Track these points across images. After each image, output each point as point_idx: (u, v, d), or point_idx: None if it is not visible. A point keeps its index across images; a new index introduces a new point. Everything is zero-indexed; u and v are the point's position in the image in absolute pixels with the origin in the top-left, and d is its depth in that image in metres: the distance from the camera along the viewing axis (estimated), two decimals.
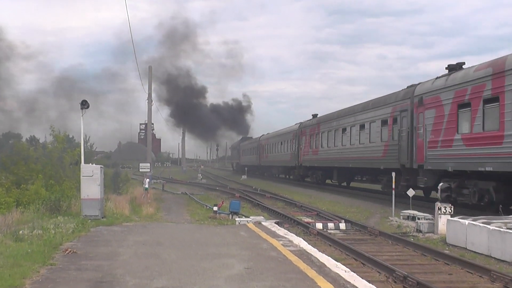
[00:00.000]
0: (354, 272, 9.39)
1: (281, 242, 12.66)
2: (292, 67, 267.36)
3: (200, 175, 63.89)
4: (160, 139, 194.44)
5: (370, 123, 27.71)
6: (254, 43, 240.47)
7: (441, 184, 17.85)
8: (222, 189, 42.71)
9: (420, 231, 17.30)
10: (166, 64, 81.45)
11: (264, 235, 14.08)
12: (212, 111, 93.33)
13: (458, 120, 18.51)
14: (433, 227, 17.16)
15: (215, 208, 21.99)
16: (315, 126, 39.29)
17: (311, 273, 8.97)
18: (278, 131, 56.43)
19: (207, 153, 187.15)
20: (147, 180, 33.73)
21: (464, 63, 19.70)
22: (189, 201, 31.92)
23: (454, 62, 20.04)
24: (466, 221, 14.53)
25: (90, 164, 19.84)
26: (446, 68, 20.30)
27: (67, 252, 10.82)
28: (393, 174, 22.05)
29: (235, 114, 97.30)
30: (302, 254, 10.87)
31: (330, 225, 18.98)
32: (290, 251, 11.27)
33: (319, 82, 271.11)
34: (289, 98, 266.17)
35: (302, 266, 9.59)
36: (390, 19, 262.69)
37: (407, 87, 23.94)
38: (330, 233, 17.41)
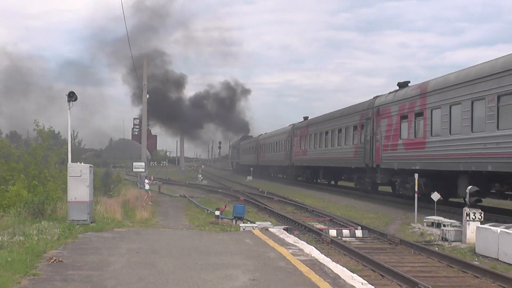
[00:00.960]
0: (371, 284, 9.36)
1: (290, 250, 12.65)
2: (303, 56, 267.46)
3: (200, 175, 64.07)
4: (156, 136, 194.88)
5: (345, 128, 35.26)
6: (261, 29, 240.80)
7: (469, 187, 17.86)
8: (225, 191, 42.76)
9: (446, 240, 17.24)
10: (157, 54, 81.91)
11: (271, 242, 14.07)
12: (194, 104, 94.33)
13: (401, 128, 25.94)
14: (460, 235, 17.10)
15: (217, 213, 22.03)
16: (305, 128, 46.63)
17: (324, 285, 8.94)
18: (274, 131, 64.39)
19: (208, 151, 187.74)
20: (147, 180, 33.93)
21: (409, 82, 27.33)
22: (188, 204, 31.98)
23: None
24: (498, 229, 14.46)
25: (78, 163, 19.85)
26: (397, 85, 27.90)
27: (51, 261, 10.85)
28: (416, 175, 22.08)
29: (224, 106, 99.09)
30: (314, 264, 10.84)
31: (345, 232, 18.98)
32: (301, 260, 11.25)
33: (333, 73, 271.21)
34: (300, 91, 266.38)
35: (314, 277, 9.57)
36: (413, 3, 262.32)
37: (373, 97, 30.72)
38: (345, 241, 17.41)
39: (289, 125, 54.41)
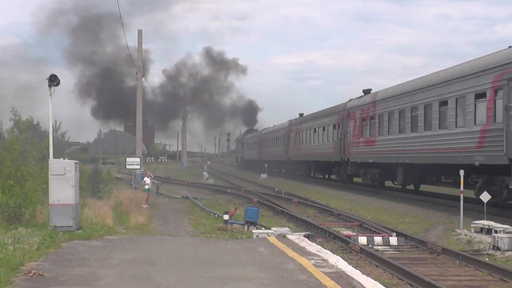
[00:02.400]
0: None
1: (312, 261, 12.63)
2: (327, 33, 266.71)
3: (206, 173, 64.22)
4: (153, 127, 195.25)
5: (327, 126, 47.01)
6: (277, 1, 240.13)
7: None
8: (235, 191, 42.87)
9: (498, 249, 17.12)
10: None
11: (290, 252, 14.06)
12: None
13: (362, 129, 37.50)
14: None
15: (226, 217, 22.12)
16: (299, 125, 57.97)
17: None
18: (274, 126, 77.19)
19: (215, 144, 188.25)
20: (147, 179, 34.08)
21: (371, 89, 38.93)
22: (191, 207, 32.12)
23: None
24: None
25: (61, 159, 19.92)
26: (362, 91, 39.71)
27: (30, 274, 10.89)
28: (461, 172, 22.01)
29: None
30: (341, 278, 10.81)
31: (377, 239, 18.95)
32: (325, 273, 11.22)
33: (362, 52, 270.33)
34: (323, 73, 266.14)
35: None
36: None
37: (348, 100, 42.16)
38: (377, 250, 17.42)
39: (287, 121, 65.96)
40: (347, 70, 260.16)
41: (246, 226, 20.92)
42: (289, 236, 17.26)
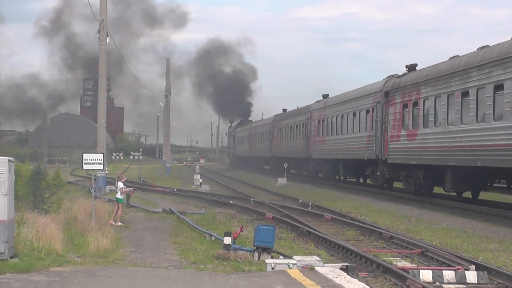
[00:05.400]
0: None
1: None
2: None
3: (198, 176, 64.12)
4: (122, 109, 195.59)
5: (298, 125, 73.88)
6: None
7: None
8: (240, 203, 42.97)
9: None
10: None
11: None
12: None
13: (318, 129, 65.80)
14: None
15: (228, 240, 22.03)
16: (280, 121, 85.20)
17: None
18: (261, 120, 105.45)
19: (211, 135, 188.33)
20: (121, 184, 33.78)
21: (328, 95, 66.67)
22: (177, 226, 32.00)
23: None
24: None
25: None
26: (322, 96, 68.38)
27: None
28: None
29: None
30: None
31: (448, 274, 18.87)
32: None
33: (425, 2, 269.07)
34: (367, 32, 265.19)
35: None
36: None
37: (315, 101, 68.98)
38: None
39: (273, 116, 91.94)
40: (400, 28, 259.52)
41: (256, 254, 20.86)
42: (319, 269, 17.23)
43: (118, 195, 33.51)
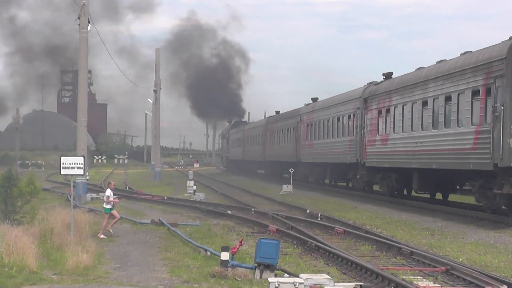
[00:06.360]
0: None
1: None
2: None
3: (192, 182, 64.18)
4: (105, 106, 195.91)
5: (289, 128, 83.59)
6: None
7: None
8: (239, 213, 43.17)
9: None
10: None
11: None
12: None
13: (307, 133, 75.27)
14: None
15: (225, 256, 22.02)
16: (272, 124, 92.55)
17: None
18: (255, 122, 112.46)
19: (207, 137, 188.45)
20: (107, 191, 33.72)
21: (317, 98, 77.13)
22: (167, 239, 32.07)
23: None
24: None
25: None
26: (311, 99, 78.66)
27: None
28: None
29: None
30: None
31: None
32: None
33: None
34: (388, 19, 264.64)
35: None
36: None
37: (305, 105, 78.95)
38: None
39: (266, 118, 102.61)
40: (428, 15, 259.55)
41: (258, 271, 20.87)
42: None
43: (106, 205, 33.48)
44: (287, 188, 64.12)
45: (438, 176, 45.73)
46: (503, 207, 37.46)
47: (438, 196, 48.67)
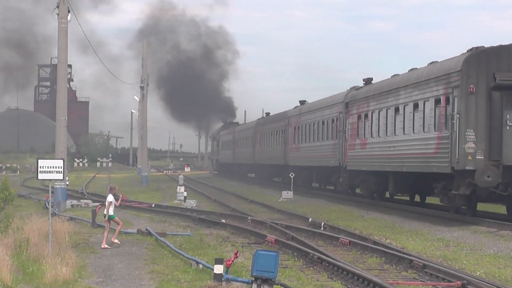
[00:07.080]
0: None
1: None
2: None
3: (182, 188, 64.20)
4: (87, 103, 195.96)
5: (277, 131, 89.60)
6: None
7: None
8: (234, 222, 43.33)
9: None
10: None
11: None
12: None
13: (294, 136, 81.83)
14: None
15: (219, 269, 22.01)
16: (262, 126, 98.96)
17: None
18: (245, 124, 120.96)
19: (199, 138, 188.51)
20: (111, 197, 33.67)
21: (305, 101, 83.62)
22: (155, 251, 32.10)
23: None
24: None
25: None
26: (299, 101, 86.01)
27: None
28: None
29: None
30: None
31: None
32: None
33: None
34: (398, 9, 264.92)
35: None
36: None
37: (293, 107, 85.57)
38: None
39: (256, 120, 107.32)
40: (441, 4, 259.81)
41: (255, 286, 20.72)
42: None
43: (110, 212, 33.42)
44: (287, 194, 64.24)
45: (410, 179, 51.33)
46: (463, 206, 43.35)
47: (417, 198, 54.17)
